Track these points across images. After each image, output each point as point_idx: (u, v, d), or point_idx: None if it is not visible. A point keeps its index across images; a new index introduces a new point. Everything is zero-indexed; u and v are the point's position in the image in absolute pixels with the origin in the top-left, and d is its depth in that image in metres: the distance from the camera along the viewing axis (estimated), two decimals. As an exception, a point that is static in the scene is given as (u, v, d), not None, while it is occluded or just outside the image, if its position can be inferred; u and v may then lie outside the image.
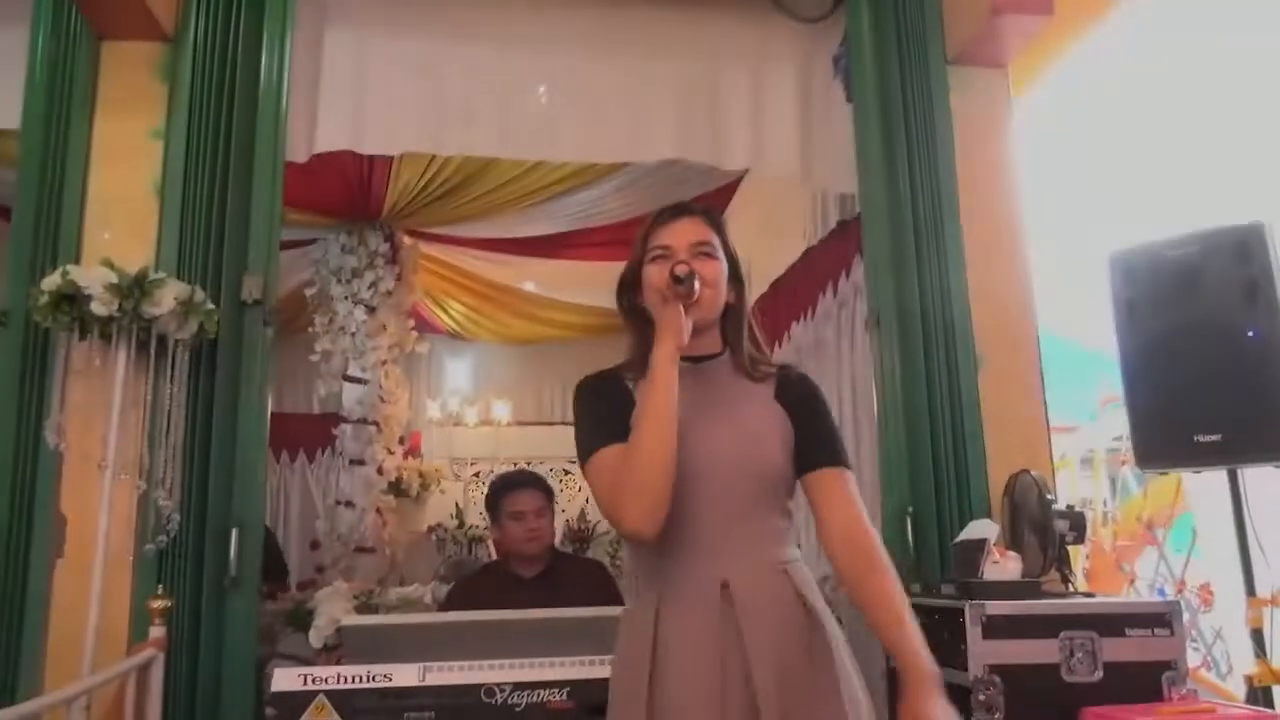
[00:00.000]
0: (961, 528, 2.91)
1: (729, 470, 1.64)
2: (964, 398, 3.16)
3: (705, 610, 1.59)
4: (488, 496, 3.18)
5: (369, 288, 5.75)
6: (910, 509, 3.09)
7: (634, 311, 1.80)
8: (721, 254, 1.74)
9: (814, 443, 1.69)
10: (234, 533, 2.81)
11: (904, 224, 3.27)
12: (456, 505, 6.87)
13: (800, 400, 1.72)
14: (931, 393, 3.16)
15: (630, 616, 1.69)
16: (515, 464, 7.74)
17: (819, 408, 1.74)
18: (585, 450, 1.65)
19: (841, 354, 4.11)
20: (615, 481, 1.57)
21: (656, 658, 1.59)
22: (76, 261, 2.90)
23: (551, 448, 8.44)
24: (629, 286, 1.80)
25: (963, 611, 2.46)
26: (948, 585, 2.68)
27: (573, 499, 8.29)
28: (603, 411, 1.67)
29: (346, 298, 5.74)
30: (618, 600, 3.22)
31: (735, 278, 1.78)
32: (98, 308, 2.66)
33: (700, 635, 1.58)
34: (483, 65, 3.51)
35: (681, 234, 1.73)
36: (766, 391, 1.73)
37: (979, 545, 2.70)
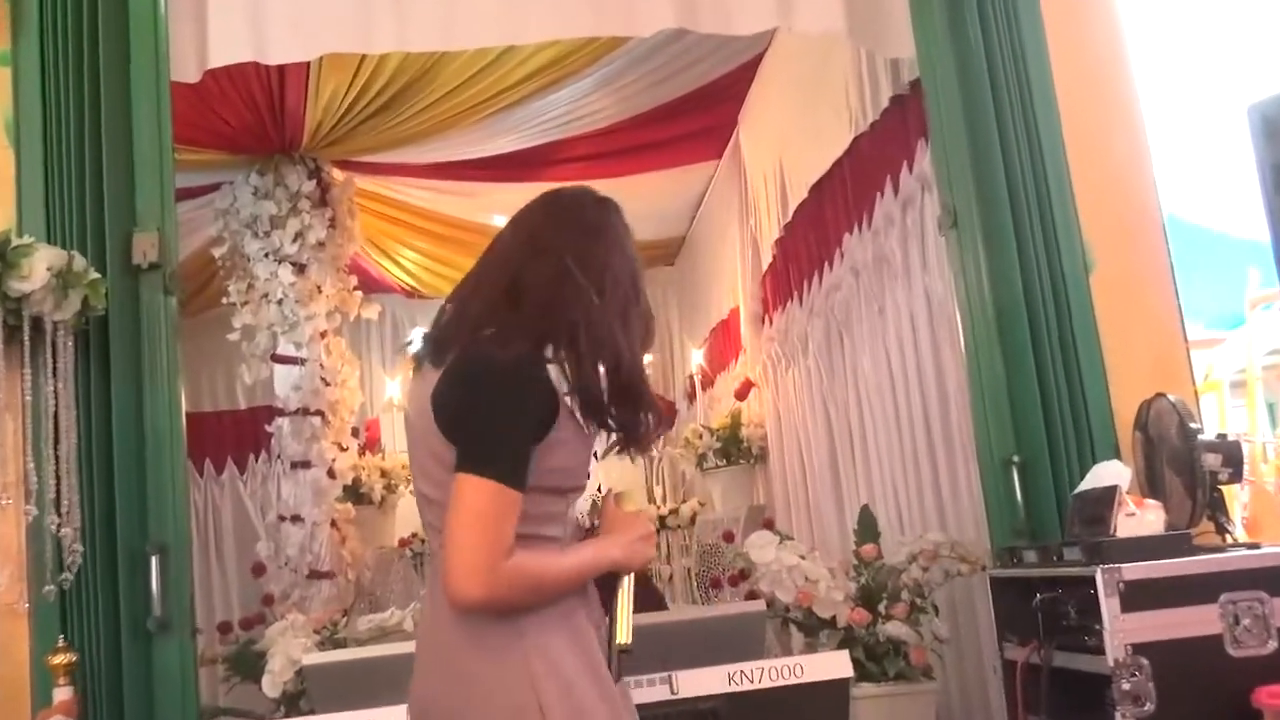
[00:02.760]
0: (1083, 474, 2.92)
1: None
2: (1074, 310, 3.16)
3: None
4: None
5: (294, 240, 5.75)
6: (1016, 457, 3.11)
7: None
8: None
9: None
10: (154, 561, 2.83)
11: (978, 90, 3.25)
12: (433, 509, 6.92)
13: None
14: (1032, 307, 3.17)
15: (576, 633, 1.71)
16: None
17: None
18: (471, 459, 1.62)
19: (910, 268, 4.10)
20: (490, 542, 1.59)
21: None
22: (-85, 232, 2.90)
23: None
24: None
25: (1093, 579, 2.46)
26: (1071, 549, 2.69)
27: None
28: (506, 421, 1.64)
29: (267, 255, 5.75)
30: (660, 602, 3.24)
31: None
32: (-51, 289, 2.66)
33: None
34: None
35: None
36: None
37: (1108, 495, 2.70)
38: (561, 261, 1.76)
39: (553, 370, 1.69)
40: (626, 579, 1.77)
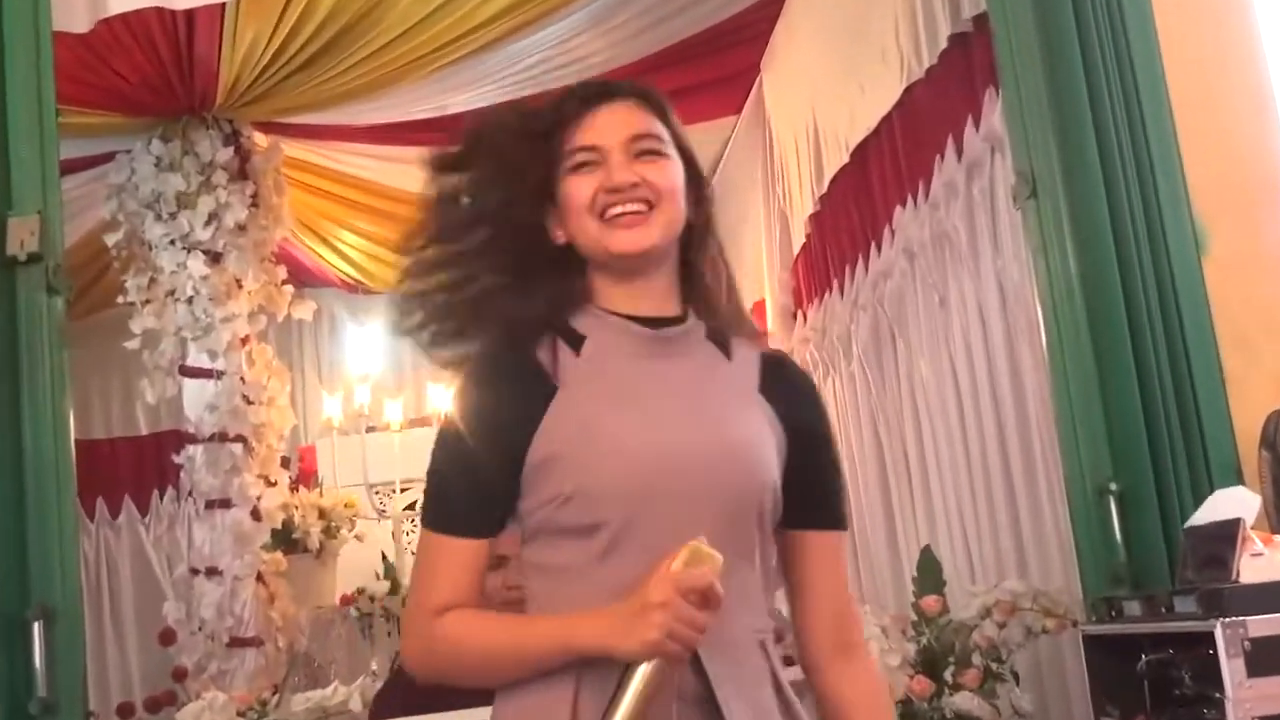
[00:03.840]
0: (1197, 504, 2.92)
1: (700, 491, 1.74)
2: (1183, 301, 3.16)
3: (660, 703, 1.64)
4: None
5: (207, 223, 5.77)
6: (1113, 484, 3.11)
7: (535, 237, 1.85)
8: (674, 149, 1.85)
9: (819, 492, 1.88)
10: (36, 628, 2.84)
11: (1060, 25, 3.25)
12: (385, 558, 6.92)
13: (804, 418, 1.87)
14: (1131, 298, 3.17)
15: (525, 713, 1.72)
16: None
17: (828, 436, 1.92)
18: (427, 509, 1.78)
19: (979, 250, 4.11)
20: (425, 609, 1.74)
21: None
22: None
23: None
24: (530, 198, 1.85)
25: (1212, 636, 2.46)
26: (1184, 598, 2.70)
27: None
28: (474, 456, 1.75)
29: (173, 242, 5.76)
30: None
31: (694, 184, 1.88)
32: None
33: None
34: None
35: (613, 127, 1.83)
36: (747, 379, 1.85)
37: (1228, 530, 2.70)
38: None
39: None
40: (640, 669, 1.60)
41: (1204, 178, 3.23)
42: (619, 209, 1.77)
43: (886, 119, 4.81)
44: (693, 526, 1.65)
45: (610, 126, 1.82)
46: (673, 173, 1.83)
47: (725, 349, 1.84)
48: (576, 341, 1.79)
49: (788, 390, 1.86)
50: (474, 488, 1.74)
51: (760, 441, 1.79)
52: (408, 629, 1.77)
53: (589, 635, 1.64)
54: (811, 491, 1.85)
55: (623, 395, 1.75)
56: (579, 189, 1.81)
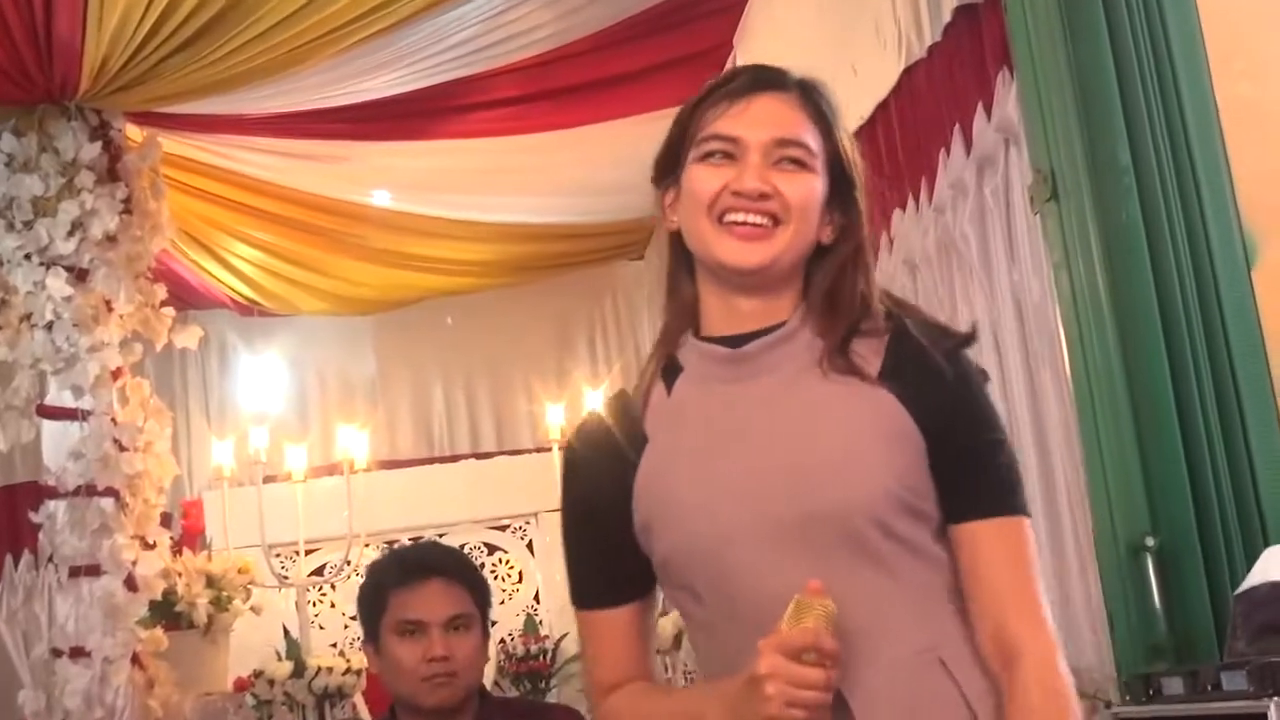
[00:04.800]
0: (1249, 562, 2.96)
1: (781, 528, 1.86)
2: (1230, 320, 3.21)
3: None
4: (363, 595, 3.30)
5: (70, 233, 5.76)
6: (1151, 540, 3.15)
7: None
8: (820, 162, 1.96)
9: (967, 478, 1.91)
10: None
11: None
12: (286, 633, 6.91)
13: (934, 398, 1.91)
14: (1169, 316, 3.22)
15: None
16: (391, 543, 7.78)
17: (971, 413, 1.94)
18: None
19: (992, 260, 4.15)
20: (595, 690, 2.01)
21: None
22: None
23: (466, 503, 8.45)
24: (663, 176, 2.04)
25: (1266, 716, 2.50)
26: (1233, 674, 2.73)
27: (512, 596, 8.35)
28: (582, 535, 2.02)
29: (28, 256, 5.75)
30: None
31: (841, 200, 2.00)
32: None
33: None
34: None
35: (761, 122, 1.94)
36: (864, 370, 1.93)
37: None
38: None
39: None
40: None
41: (1253, 177, 3.28)
42: (739, 215, 1.88)
43: (882, 106, 4.86)
44: (792, 564, 1.80)
45: (758, 121, 1.93)
46: (810, 190, 1.93)
47: (838, 343, 1.92)
48: (674, 375, 1.94)
49: (915, 370, 1.91)
50: (595, 561, 1.99)
51: (855, 449, 1.87)
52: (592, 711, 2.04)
53: (716, 715, 1.79)
54: (958, 478, 1.89)
55: (693, 442, 1.90)
56: (703, 181, 1.93)
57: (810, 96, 1.99)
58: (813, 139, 1.95)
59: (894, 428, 1.87)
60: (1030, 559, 1.90)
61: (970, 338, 1.98)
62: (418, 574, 3.20)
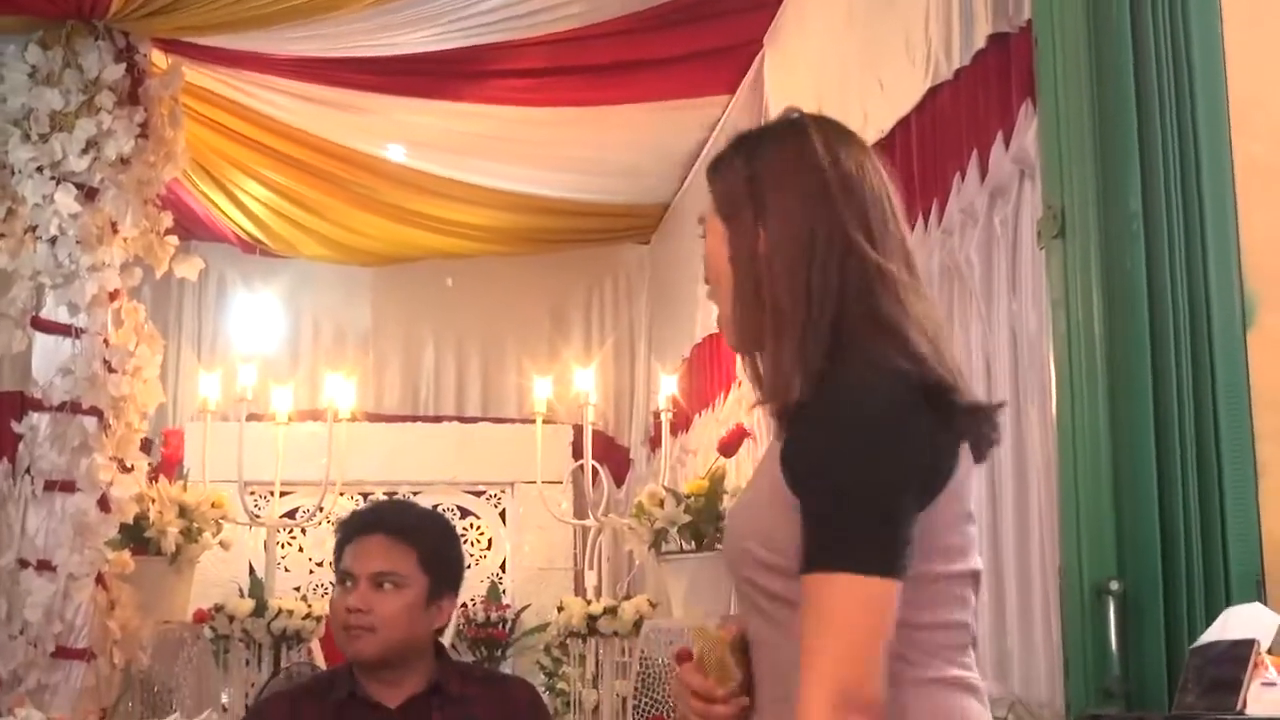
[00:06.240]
0: (1210, 618, 2.96)
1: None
2: (1220, 378, 3.19)
3: None
4: (336, 545, 3.40)
5: (84, 151, 5.75)
6: (1115, 583, 3.13)
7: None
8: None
9: (802, 527, 1.90)
10: None
11: (1114, 43, 3.30)
12: (251, 570, 6.93)
13: (787, 454, 1.95)
14: (1161, 366, 3.20)
15: None
16: (366, 495, 7.81)
17: (801, 467, 1.92)
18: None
19: (994, 289, 4.15)
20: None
21: None
22: None
23: (444, 464, 8.48)
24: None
25: (1207, 776, 2.51)
26: (1180, 728, 2.75)
27: (479, 562, 8.37)
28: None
29: (41, 169, 5.74)
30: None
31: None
32: None
33: None
34: None
35: None
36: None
37: (1240, 653, 2.74)
38: None
39: None
40: None
41: (1259, 239, 3.26)
42: None
43: (903, 123, 4.85)
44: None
45: None
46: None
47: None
48: None
49: (789, 430, 1.97)
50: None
51: (749, 505, 2.02)
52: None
53: None
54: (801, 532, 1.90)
55: None
56: None
57: None
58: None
59: (774, 484, 1.92)
60: (820, 619, 1.83)
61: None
62: (363, 528, 3.33)
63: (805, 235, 1.98)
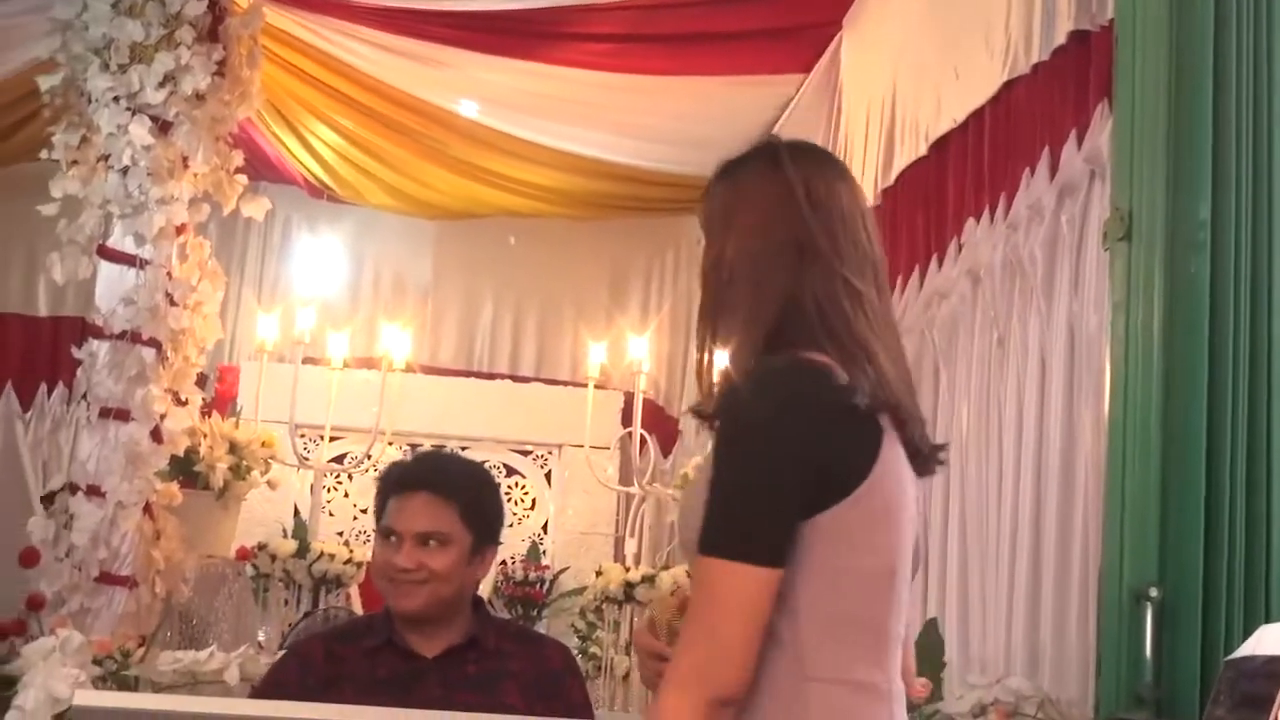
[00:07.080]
0: (1248, 630, 2.95)
1: None
2: (1275, 395, 3.19)
3: None
4: (376, 495, 3.40)
5: (161, 84, 5.77)
6: (1154, 590, 3.13)
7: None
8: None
9: None
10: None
11: (1196, 47, 3.28)
12: (296, 512, 6.96)
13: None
14: (1218, 374, 3.20)
15: None
16: (415, 446, 7.83)
17: (712, 456, 2.07)
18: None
19: (1055, 287, 4.14)
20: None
21: None
22: None
23: (494, 422, 8.50)
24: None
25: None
26: (1210, 739, 2.74)
27: (521, 522, 8.40)
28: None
29: (117, 99, 5.76)
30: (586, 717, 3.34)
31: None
32: None
33: None
34: None
35: None
36: None
37: (1273, 670, 2.73)
38: None
39: None
40: None
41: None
42: None
43: (977, 114, 4.83)
44: None
45: None
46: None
47: None
48: None
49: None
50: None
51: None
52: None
53: None
54: None
55: None
56: None
57: None
58: None
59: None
60: (698, 598, 1.98)
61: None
62: (407, 485, 3.34)
63: (761, 244, 2.14)
